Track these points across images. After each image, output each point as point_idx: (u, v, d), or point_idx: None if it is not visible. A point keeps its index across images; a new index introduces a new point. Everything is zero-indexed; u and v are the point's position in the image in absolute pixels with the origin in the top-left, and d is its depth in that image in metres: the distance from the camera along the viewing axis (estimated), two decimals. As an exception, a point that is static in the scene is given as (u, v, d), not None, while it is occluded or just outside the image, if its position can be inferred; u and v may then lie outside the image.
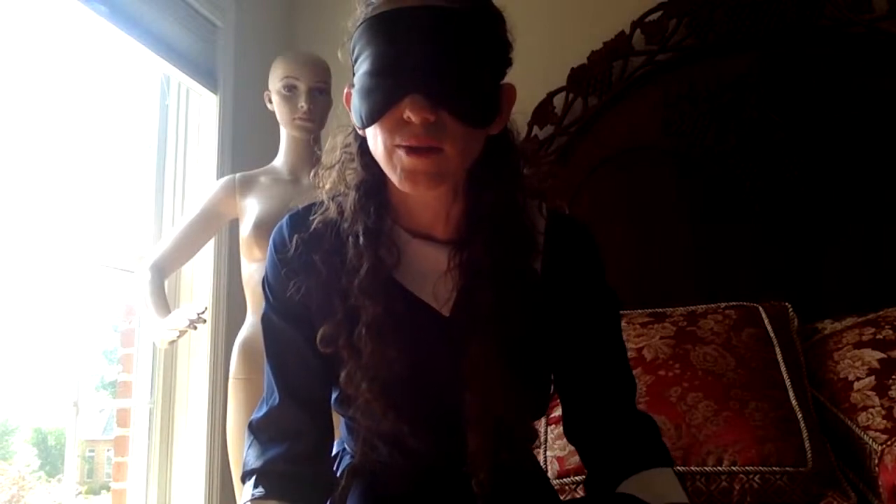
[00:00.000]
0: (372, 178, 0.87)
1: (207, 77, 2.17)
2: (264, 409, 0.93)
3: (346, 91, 0.87)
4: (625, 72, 2.17)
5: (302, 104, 1.82)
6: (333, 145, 0.91)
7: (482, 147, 0.85)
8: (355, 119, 0.84)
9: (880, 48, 1.96)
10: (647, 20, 2.16)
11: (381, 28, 0.79)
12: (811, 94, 2.00)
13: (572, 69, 2.21)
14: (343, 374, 0.86)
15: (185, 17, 2.10)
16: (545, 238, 0.91)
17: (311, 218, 0.89)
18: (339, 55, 0.88)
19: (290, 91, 1.84)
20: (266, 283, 0.94)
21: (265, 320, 0.95)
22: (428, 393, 0.88)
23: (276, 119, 1.90)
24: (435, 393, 0.88)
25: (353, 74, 0.83)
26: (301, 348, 0.91)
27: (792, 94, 2.02)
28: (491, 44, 0.82)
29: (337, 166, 0.90)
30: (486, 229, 0.86)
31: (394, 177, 0.80)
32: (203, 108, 2.21)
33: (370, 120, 0.80)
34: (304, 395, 0.92)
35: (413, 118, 0.76)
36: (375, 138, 0.81)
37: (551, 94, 2.20)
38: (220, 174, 2.08)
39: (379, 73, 0.79)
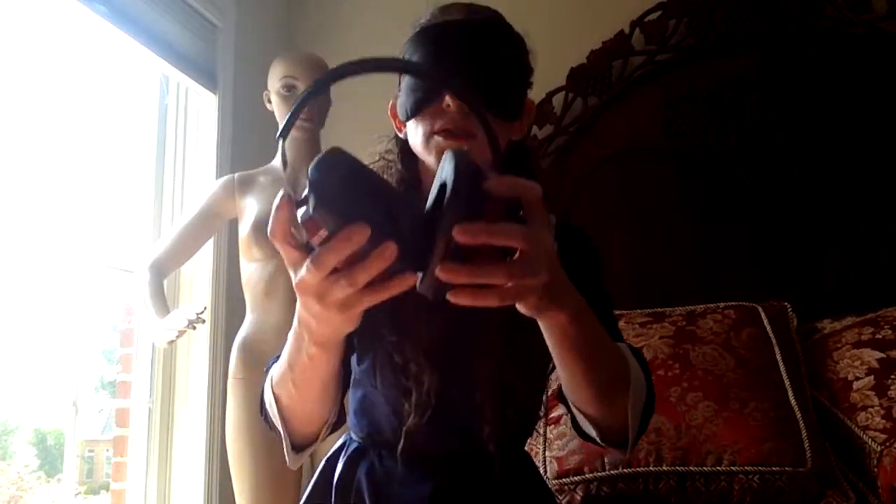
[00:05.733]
0: (410, 177, 0.98)
1: (207, 77, 2.17)
2: None
3: (390, 103, 0.99)
4: (624, 72, 2.17)
5: (301, 104, 1.82)
6: (372, 153, 1.00)
7: (505, 147, 0.94)
8: (400, 113, 0.95)
9: (880, 48, 1.96)
10: (646, 20, 2.16)
11: (429, 37, 0.93)
12: (811, 94, 2.00)
13: (572, 69, 2.21)
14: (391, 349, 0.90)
15: (185, 16, 2.10)
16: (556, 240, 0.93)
17: None
18: None
19: (289, 91, 1.84)
20: None
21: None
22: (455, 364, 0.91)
23: (275, 119, 1.90)
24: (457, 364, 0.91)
25: (399, 84, 0.95)
26: None
27: (792, 94, 2.01)
28: (515, 55, 0.95)
29: (375, 167, 0.97)
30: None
31: (429, 159, 0.91)
32: (202, 108, 2.21)
33: (415, 110, 0.91)
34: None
35: (452, 105, 0.88)
36: (416, 128, 0.92)
37: (551, 94, 2.20)
38: (220, 174, 2.08)
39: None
